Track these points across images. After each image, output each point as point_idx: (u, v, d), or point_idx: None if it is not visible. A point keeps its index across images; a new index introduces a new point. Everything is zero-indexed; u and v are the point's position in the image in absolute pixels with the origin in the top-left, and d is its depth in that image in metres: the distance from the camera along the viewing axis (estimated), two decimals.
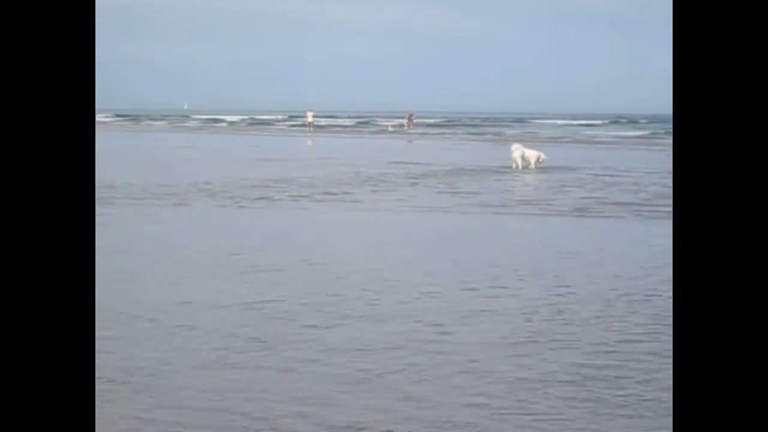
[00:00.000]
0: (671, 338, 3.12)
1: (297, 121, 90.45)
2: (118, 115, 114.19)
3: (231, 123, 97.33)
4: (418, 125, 76.68)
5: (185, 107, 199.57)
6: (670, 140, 47.38)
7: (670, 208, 13.12)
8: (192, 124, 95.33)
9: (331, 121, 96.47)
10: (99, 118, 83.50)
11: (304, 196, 18.27)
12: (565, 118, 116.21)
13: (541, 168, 26.50)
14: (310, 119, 73.31)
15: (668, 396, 5.41)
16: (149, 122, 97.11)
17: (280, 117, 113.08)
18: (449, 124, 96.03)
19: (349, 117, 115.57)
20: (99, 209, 14.87)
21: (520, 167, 26.69)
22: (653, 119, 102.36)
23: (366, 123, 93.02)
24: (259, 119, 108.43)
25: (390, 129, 74.10)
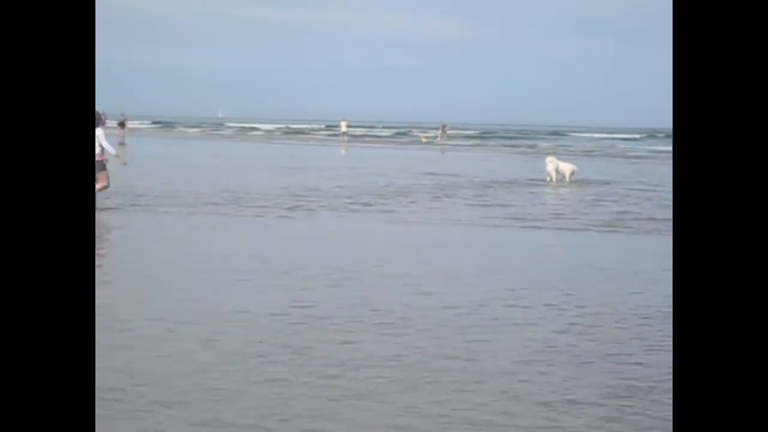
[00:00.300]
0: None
1: (334, 130, 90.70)
2: (154, 122, 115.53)
3: (267, 131, 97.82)
4: (452, 137, 76.62)
5: (219, 115, 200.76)
6: None
7: None
8: (226, 132, 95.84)
9: (366, 131, 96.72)
10: (135, 125, 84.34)
11: (341, 206, 18.36)
12: (602, 132, 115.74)
13: (575, 181, 26.35)
14: (344, 129, 73.56)
15: None
16: (183, 129, 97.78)
17: (315, 126, 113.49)
18: (483, 135, 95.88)
19: (385, 127, 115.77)
20: (139, 215, 15.02)
21: (554, 180, 26.56)
22: None
23: (403, 134, 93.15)
24: (295, 128, 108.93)
25: (423, 140, 74.09)
